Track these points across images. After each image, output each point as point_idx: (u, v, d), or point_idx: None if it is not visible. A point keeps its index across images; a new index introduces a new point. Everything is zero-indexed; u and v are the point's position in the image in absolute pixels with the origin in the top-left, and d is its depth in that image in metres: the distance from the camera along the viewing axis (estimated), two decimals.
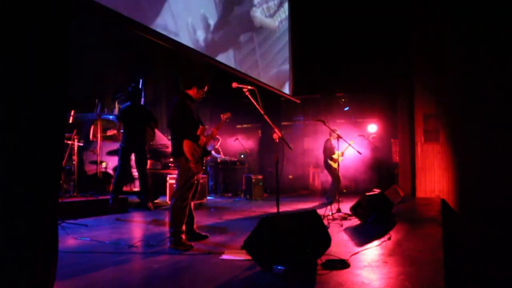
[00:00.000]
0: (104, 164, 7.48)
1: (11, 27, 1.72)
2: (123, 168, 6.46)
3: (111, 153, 7.69)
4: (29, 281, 1.76)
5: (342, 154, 7.83)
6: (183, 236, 3.86)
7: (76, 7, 5.33)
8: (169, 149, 6.41)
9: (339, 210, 6.12)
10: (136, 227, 5.50)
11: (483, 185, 8.88)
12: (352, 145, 7.45)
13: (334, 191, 8.01)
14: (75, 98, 8.30)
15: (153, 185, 7.15)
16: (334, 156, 8.01)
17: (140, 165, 6.65)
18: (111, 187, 6.57)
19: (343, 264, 3.05)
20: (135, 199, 7.82)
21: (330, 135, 8.12)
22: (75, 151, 6.62)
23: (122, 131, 6.55)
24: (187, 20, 7.52)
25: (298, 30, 12.84)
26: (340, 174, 7.22)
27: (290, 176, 13.30)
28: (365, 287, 2.57)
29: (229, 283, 2.72)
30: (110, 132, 7.06)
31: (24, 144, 1.76)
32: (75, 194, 6.55)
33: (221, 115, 4.41)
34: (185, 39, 7.40)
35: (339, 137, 6.98)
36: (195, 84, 4.13)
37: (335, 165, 8.01)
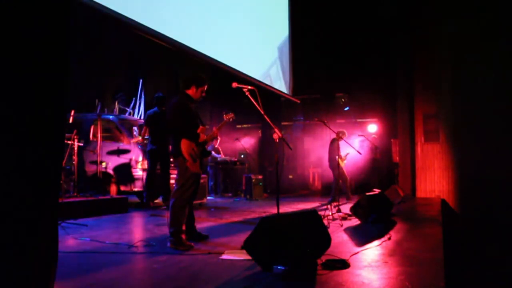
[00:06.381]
0: (104, 164, 7.48)
1: (11, 27, 1.72)
2: (151, 170, 6.71)
3: (111, 153, 7.69)
4: (29, 281, 1.76)
5: (345, 158, 7.94)
6: (183, 236, 3.86)
7: (77, 7, 5.33)
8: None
9: (339, 210, 6.12)
10: (136, 227, 5.50)
11: (483, 185, 8.87)
12: (348, 155, 7.65)
13: (336, 191, 8.03)
14: (75, 98, 8.30)
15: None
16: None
17: (164, 167, 6.94)
18: (141, 188, 7.07)
19: (343, 264, 3.05)
20: (135, 199, 7.82)
21: (337, 136, 8.01)
22: (75, 151, 6.62)
23: (147, 136, 6.80)
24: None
25: (298, 30, 12.84)
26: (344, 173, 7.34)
27: (290, 176, 13.30)
28: (365, 287, 2.57)
29: (229, 283, 2.72)
30: (135, 139, 7.28)
31: (24, 144, 1.76)
32: (75, 194, 6.55)
33: (224, 115, 4.34)
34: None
35: (340, 139, 7.02)
36: (193, 83, 4.11)
37: (342, 164, 8.15)
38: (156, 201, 7.26)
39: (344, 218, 5.72)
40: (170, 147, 4.27)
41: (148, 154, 7.03)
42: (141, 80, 11.13)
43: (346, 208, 6.06)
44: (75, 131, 6.65)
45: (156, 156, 6.90)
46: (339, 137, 7.60)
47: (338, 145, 8.04)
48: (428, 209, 7.23)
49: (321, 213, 4.79)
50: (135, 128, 8.25)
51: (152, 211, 6.62)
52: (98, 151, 6.99)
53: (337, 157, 8.12)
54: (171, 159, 7.03)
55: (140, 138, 7.15)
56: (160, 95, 7.17)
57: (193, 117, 4.05)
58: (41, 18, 1.83)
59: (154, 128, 6.85)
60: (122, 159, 7.66)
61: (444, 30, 9.99)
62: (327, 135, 8.50)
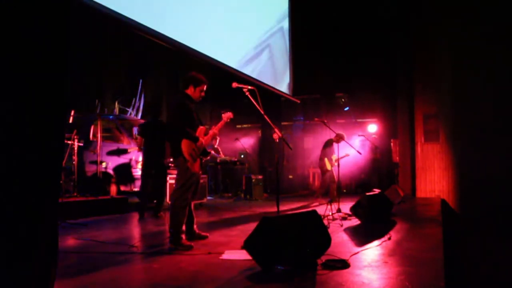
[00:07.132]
0: (104, 164, 7.49)
1: (11, 27, 1.72)
2: (144, 182, 6.49)
3: (111, 153, 7.70)
4: (29, 281, 1.76)
5: (338, 160, 7.72)
6: (183, 236, 3.86)
7: (77, 7, 5.33)
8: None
9: (339, 210, 6.12)
10: (136, 227, 5.50)
11: (483, 185, 8.87)
12: (349, 155, 7.61)
13: (333, 191, 8.04)
14: (75, 98, 8.31)
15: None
16: (333, 157, 8.03)
17: (159, 178, 6.61)
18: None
19: (343, 264, 3.05)
20: (135, 199, 7.82)
21: (334, 138, 7.90)
22: (75, 151, 6.62)
23: (143, 147, 6.65)
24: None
25: (298, 30, 12.85)
26: (335, 176, 7.24)
27: (290, 176, 13.31)
28: (365, 287, 2.57)
29: (229, 283, 2.72)
30: (132, 148, 7.20)
31: (24, 144, 1.76)
32: (75, 194, 6.55)
33: (223, 114, 4.35)
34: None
35: (339, 140, 6.99)
36: (191, 82, 4.10)
37: (329, 168, 8.04)
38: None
39: (344, 218, 5.73)
40: (168, 149, 4.25)
41: (142, 166, 6.71)
42: (141, 80, 11.14)
43: (346, 208, 6.05)
44: (75, 131, 6.66)
45: (150, 168, 6.54)
46: (336, 140, 7.57)
47: (333, 147, 8.01)
48: (428, 209, 7.23)
49: (321, 213, 4.78)
50: (135, 128, 8.25)
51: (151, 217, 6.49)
52: (98, 151, 6.99)
53: (330, 157, 8.09)
54: (170, 164, 6.93)
55: (137, 148, 6.97)
56: (153, 106, 6.99)
57: (192, 117, 4.06)
58: (41, 18, 1.82)
59: (149, 139, 6.53)
60: (122, 159, 7.66)
61: (444, 30, 9.99)
62: (327, 135, 8.49)
